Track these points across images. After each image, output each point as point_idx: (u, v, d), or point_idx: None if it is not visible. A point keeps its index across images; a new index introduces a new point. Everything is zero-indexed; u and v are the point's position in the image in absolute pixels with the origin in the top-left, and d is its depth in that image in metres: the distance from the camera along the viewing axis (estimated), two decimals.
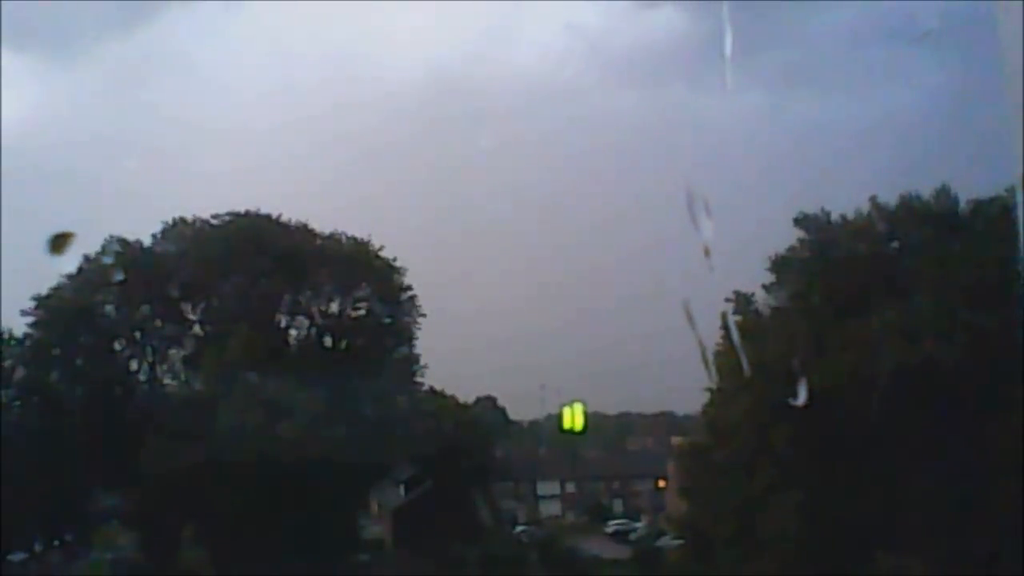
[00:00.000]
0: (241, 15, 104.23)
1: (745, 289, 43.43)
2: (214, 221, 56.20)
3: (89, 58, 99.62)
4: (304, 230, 56.75)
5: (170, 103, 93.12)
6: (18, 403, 52.76)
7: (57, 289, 52.07)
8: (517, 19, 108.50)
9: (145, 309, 55.16)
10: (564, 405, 43.06)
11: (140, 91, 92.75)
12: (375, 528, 66.82)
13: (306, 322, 56.87)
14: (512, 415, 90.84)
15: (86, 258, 51.83)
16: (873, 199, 42.93)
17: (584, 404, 43.69)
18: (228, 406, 47.30)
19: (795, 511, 38.27)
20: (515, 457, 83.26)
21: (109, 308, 54.55)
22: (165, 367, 55.59)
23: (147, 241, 55.17)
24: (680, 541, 49.66)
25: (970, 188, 41.38)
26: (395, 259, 56.41)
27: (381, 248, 56.41)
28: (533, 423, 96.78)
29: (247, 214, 56.24)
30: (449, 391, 63.66)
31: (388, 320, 57.28)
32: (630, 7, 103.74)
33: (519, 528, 72.26)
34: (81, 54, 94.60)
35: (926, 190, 42.45)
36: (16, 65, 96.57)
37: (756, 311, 43.72)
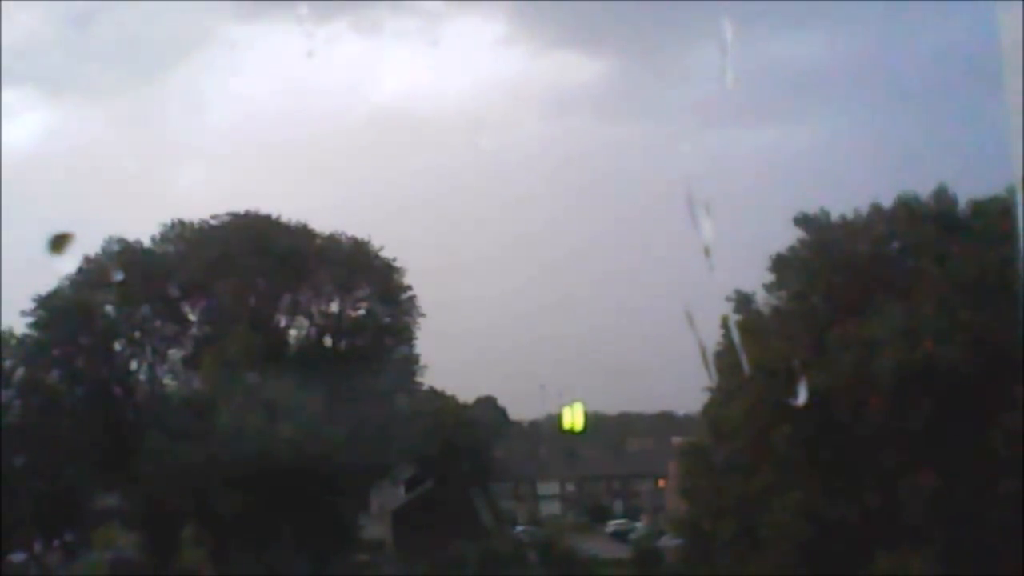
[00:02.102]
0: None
1: (745, 289, 43.45)
2: (213, 221, 56.23)
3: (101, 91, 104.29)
4: (304, 230, 56.75)
5: (175, 114, 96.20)
6: (18, 403, 52.73)
7: (57, 289, 52.09)
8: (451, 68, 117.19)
9: (145, 309, 55.15)
10: (564, 405, 43.09)
11: (148, 108, 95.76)
12: (375, 528, 66.85)
13: (306, 322, 56.89)
14: (512, 415, 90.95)
15: (86, 258, 51.90)
16: (873, 200, 43.00)
17: (584, 404, 43.71)
18: (228, 406, 47.28)
19: (795, 511, 38.25)
20: (515, 457, 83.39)
21: (109, 308, 54.55)
22: (165, 367, 55.61)
23: (147, 241, 55.23)
24: (680, 541, 49.64)
25: (970, 188, 41.45)
26: (395, 259, 56.51)
27: (381, 248, 56.50)
28: (533, 423, 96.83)
29: (247, 214, 56.26)
30: (449, 391, 63.84)
31: (388, 320, 57.27)
32: (538, 53, 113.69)
33: (519, 528, 72.29)
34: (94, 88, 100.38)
35: (926, 190, 42.51)
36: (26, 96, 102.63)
37: (756, 311, 43.69)
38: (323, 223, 57.20)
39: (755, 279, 43.45)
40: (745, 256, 43.51)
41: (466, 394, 68.63)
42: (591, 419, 53.35)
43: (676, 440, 64.51)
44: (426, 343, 57.50)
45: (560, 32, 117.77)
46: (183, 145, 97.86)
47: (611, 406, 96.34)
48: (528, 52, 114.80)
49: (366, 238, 56.60)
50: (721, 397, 41.83)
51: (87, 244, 51.22)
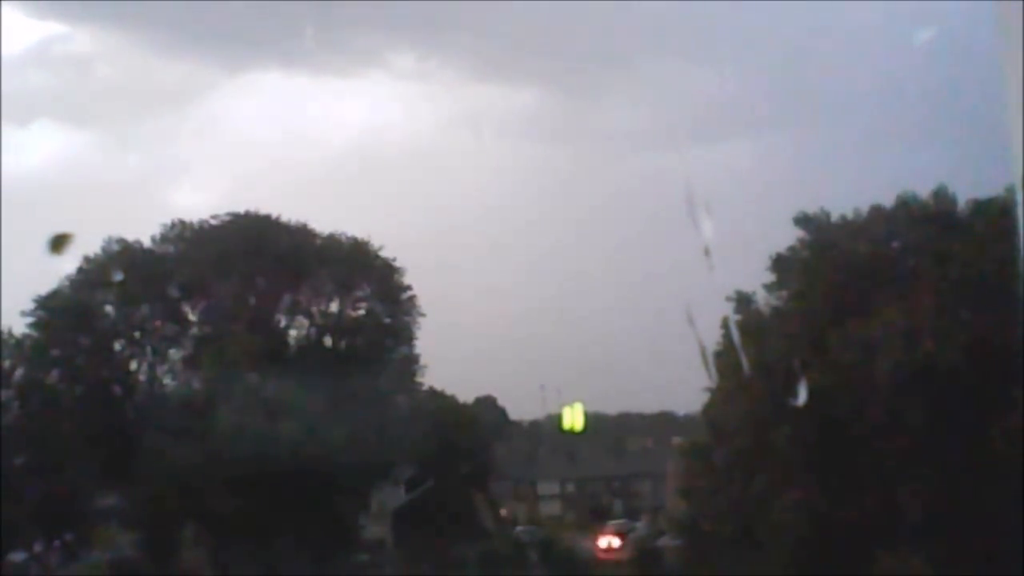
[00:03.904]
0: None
1: (745, 289, 43.47)
2: (213, 221, 56.20)
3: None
4: (304, 230, 56.71)
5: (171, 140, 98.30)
6: (17, 403, 52.70)
7: (57, 289, 52.08)
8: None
9: (145, 309, 55.10)
10: (564, 405, 43.16)
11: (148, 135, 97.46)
12: (375, 528, 66.80)
13: (306, 322, 56.84)
14: (512, 415, 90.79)
15: (86, 258, 51.93)
16: (873, 201, 43.05)
17: (584, 404, 43.79)
18: (228, 406, 47.29)
19: (795, 511, 38.27)
20: (515, 457, 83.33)
21: (109, 308, 54.54)
22: (165, 367, 55.56)
23: (147, 241, 55.22)
24: (680, 541, 49.67)
25: (970, 188, 41.47)
26: (395, 259, 56.50)
27: (381, 248, 56.47)
28: (533, 423, 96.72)
29: (246, 214, 56.21)
30: (449, 391, 63.73)
31: (388, 320, 57.23)
32: (457, 85, 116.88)
33: (519, 528, 72.29)
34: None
35: (925, 190, 42.57)
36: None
37: (756, 311, 43.72)
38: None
39: (755, 279, 43.53)
40: (744, 256, 43.59)
41: (466, 394, 68.60)
42: (591, 419, 53.36)
43: (676, 440, 64.53)
44: (426, 343, 57.54)
45: (471, 67, 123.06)
46: (179, 166, 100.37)
47: (611, 406, 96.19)
48: (449, 84, 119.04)
49: (366, 237, 56.70)
50: (721, 397, 41.84)
51: (87, 244, 51.42)
